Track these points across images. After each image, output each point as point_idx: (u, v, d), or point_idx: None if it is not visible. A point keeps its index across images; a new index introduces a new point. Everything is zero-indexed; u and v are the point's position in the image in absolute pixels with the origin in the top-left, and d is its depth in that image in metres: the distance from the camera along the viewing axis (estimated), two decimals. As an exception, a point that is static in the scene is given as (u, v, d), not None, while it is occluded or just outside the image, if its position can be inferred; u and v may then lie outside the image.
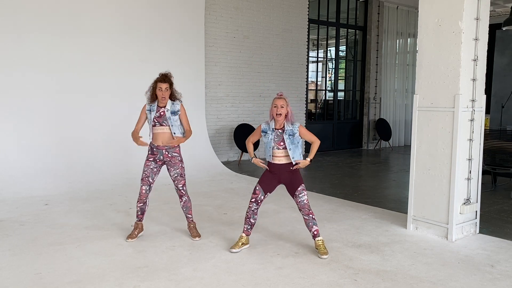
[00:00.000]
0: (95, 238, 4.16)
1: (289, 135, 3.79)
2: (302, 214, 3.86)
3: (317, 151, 3.95)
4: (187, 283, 3.22)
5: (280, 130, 3.82)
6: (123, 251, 3.85)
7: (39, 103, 6.55)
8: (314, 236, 3.85)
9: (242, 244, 3.92)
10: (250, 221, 3.94)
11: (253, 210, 3.91)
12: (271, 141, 3.83)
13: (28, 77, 6.45)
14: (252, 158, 3.98)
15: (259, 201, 3.90)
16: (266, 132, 3.87)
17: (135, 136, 4.20)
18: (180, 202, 4.26)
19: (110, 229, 4.45)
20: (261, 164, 3.93)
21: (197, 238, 4.19)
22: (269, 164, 3.92)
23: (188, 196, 4.27)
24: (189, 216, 4.29)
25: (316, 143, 3.88)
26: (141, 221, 4.25)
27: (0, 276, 3.29)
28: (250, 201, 3.92)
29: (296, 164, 3.81)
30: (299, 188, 3.83)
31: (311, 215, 3.84)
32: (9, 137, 6.26)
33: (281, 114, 3.77)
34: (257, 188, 3.91)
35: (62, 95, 6.74)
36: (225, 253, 3.83)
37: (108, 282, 3.21)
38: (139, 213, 4.22)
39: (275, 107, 3.79)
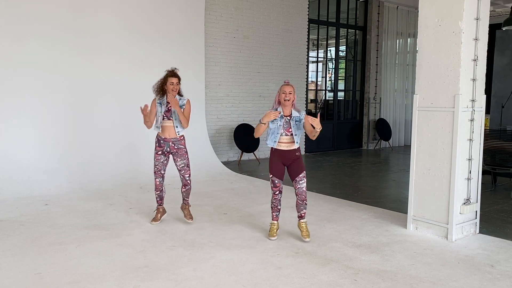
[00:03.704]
0: (95, 238, 4.17)
1: (296, 121, 4.00)
2: (297, 199, 4.10)
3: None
4: (187, 283, 3.22)
5: (288, 117, 3.99)
6: (123, 251, 3.85)
7: (39, 103, 6.54)
8: (301, 217, 4.14)
9: (277, 230, 4.21)
10: (278, 208, 4.20)
11: (279, 200, 4.17)
12: (280, 127, 3.98)
13: (28, 77, 6.44)
14: (264, 123, 3.95)
15: (282, 190, 4.16)
16: (274, 119, 3.97)
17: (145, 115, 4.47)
18: (183, 188, 4.62)
19: (110, 229, 4.45)
20: (273, 114, 3.89)
21: (190, 220, 4.60)
22: (275, 150, 4.08)
23: (191, 185, 4.64)
24: (187, 199, 4.68)
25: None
26: (162, 205, 4.70)
27: (0, 276, 3.29)
28: (275, 193, 4.14)
29: (313, 118, 3.92)
30: (300, 175, 4.06)
31: (305, 201, 4.10)
32: (9, 137, 6.26)
33: (289, 99, 3.95)
34: (276, 181, 4.10)
35: (62, 95, 6.73)
36: (225, 253, 3.83)
37: (108, 282, 3.21)
38: (158, 199, 4.68)
39: (283, 93, 3.97)
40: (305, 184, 4.07)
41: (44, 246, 3.92)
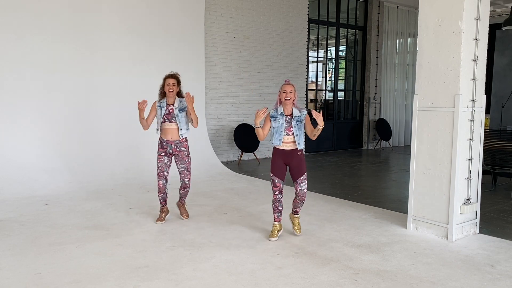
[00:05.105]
0: (95, 238, 4.17)
1: (297, 121, 3.99)
2: (297, 198, 4.14)
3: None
4: (187, 283, 3.22)
5: (289, 117, 4.00)
6: (123, 251, 3.85)
7: (39, 103, 6.54)
8: (295, 213, 4.25)
9: (278, 231, 4.16)
10: (279, 209, 4.18)
11: (279, 200, 4.15)
12: (282, 126, 3.99)
13: (27, 77, 6.44)
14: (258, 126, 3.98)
15: (282, 190, 4.14)
16: (276, 117, 4.01)
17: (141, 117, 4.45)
18: (181, 189, 4.72)
19: (110, 229, 4.45)
20: (261, 112, 3.86)
21: (186, 218, 4.75)
22: (277, 149, 4.08)
23: (190, 187, 4.75)
24: (184, 199, 4.83)
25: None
26: (165, 206, 4.70)
27: (0, 276, 3.29)
28: (274, 193, 4.13)
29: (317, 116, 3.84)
30: (302, 177, 4.08)
31: (303, 201, 4.17)
32: (10, 137, 6.26)
33: (290, 99, 3.97)
34: (276, 180, 4.09)
35: (62, 95, 6.73)
36: (225, 253, 3.83)
37: (108, 282, 3.22)
38: (161, 200, 4.67)
39: (284, 92, 3.99)
40: (306, 186, 4.11)
41: (44, 246, 3.92)
